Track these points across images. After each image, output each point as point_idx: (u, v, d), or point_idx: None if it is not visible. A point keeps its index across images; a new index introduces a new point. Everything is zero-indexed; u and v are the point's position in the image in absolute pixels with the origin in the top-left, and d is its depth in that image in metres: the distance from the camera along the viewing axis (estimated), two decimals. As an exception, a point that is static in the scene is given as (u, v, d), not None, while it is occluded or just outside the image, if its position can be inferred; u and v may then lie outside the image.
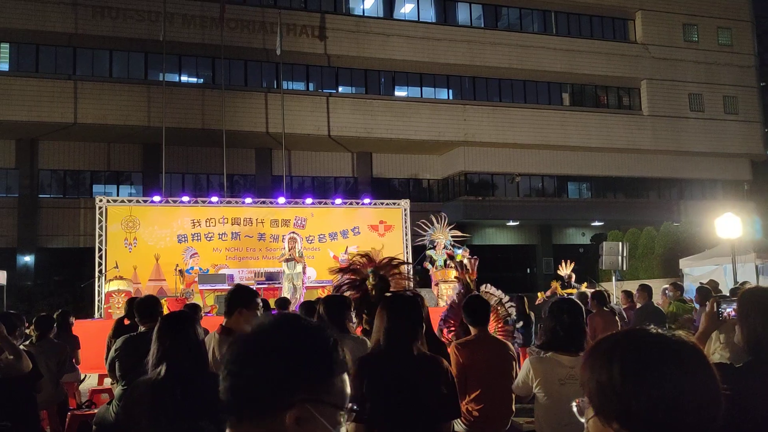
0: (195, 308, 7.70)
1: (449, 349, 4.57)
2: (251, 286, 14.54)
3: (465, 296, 7.09)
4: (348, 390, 1.30)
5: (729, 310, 2.94)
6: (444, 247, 17.09)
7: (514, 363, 4.60)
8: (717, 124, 30.98)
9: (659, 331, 1.30)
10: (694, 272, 17.04)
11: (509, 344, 4.88)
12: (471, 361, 4.46)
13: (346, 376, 1.31)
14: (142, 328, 5.04)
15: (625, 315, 9.42)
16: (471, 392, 4.45)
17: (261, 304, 4.20)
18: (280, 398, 1.22)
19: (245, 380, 1.25)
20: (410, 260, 19.10)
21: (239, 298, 4.19)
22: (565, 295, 12.26)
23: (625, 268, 17.22)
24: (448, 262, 16.86)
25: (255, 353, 1.26)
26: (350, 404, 1.30)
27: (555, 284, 13.42)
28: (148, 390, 2.94)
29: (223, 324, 4.25)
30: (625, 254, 16.50)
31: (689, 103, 30.99)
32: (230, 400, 1.27)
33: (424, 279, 17.80)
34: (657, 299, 10.44)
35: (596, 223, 30.51)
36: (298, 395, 1.23)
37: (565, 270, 13.94)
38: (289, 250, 15.53)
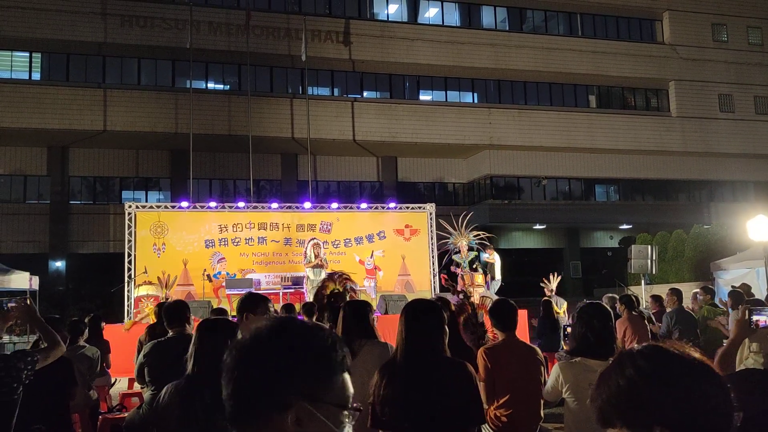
0: (222, 313, 7.75)
1: (477, 354, 4.55)
2: (278, 290, 14.57)
3: (463, 304, 7.07)
4: (350, 389, 1.30)
5: (761, 318, 2.87)
6: (469, 249, 17.01)
7: (542, 368, 4.56)
8: (748, 124, 30.47)
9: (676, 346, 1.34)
10: (726, 276, 16.74)
11: (537, 349, 4.83)
12: (499, 366, 4.43)
13: (347, 376, 1.30)
14: (170, 333, 5.08)
15: (654, 319, 9.29)
16: (499, 398, 4.42)
17: (271, 309, 4.21)
18: (277, 399, 1.23)
19: (243, 384, 1.26)
20: (436, 264, 19.06)
21: (247, 303, 4.24)
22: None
23: (654, 272, 16.99)
24: (475, 265, 16.78)
25: (251, 356, 1.27)
26: (354, 404, 1.29)
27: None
28: (179, 392, 2.98)
29: None
30: (654, 258, 16.27)
31: (719, 103, 30.52)
32: (232, 405, 1.27)
33: (452, 284, 17.71)
34: (687, 303, 10.29)
35: (624, 227, 30.17)
36: (295, 395, 1.23)
37: (552, 284, 13.53)
38: (316, 257, 15.58)
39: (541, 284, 13.35)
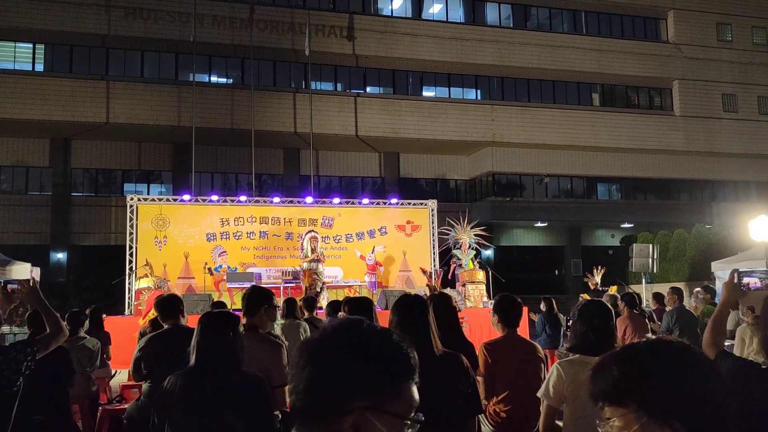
0: (221, 306, 7.76)
1: (477, 350, 4.54)
2: (278, 285, 14.58)
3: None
4: (416, 399, 1.26)
5: (751, 280, 2.90)
6: (469, 247, 17.04)
7: (542, 365, 4.55)
8: (751, 125, 30.41)
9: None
10: (726, 275, 16.72)
11: (538, 345, 4.83)
12: (499, 362, 4.43)
13: (414, 385, 1.27)
14: (165, 326, 5.15)
15: (655, 317, 9.28)
16: (499, 393, 4.41)
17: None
18: (338, 404, 1.20)
19: (307, 383, 1.24)
20: (437, 260, 19.08)
21: (263, 297, 4.28)
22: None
23: (655, 271, 16.97)
24: (474, 262, 16.81)
25: (319, 356, 1.25)
26: (416, 414, 1.25)
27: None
28: (180, 383, 2.98)
29: (245, 323, 4.32)
30: (655, 256, 16.26)
31: (722, 103, 30.46)
32: (298, 400, 1.25)
33: (451, 279, 17.75)
34: (688, 302, 10.29)
35: (626, 225, 30.15)
36: (357, 402, 1.20)
37: (596, 277, 13.62)
38: (312, 251, 15.57)
39: (585, 279, 13.50)
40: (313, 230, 17.02)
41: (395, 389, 1.23)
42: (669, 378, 1.29)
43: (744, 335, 6.70)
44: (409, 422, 1.23)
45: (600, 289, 12.81)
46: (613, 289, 12.78)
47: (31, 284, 3.90)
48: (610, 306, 3.66)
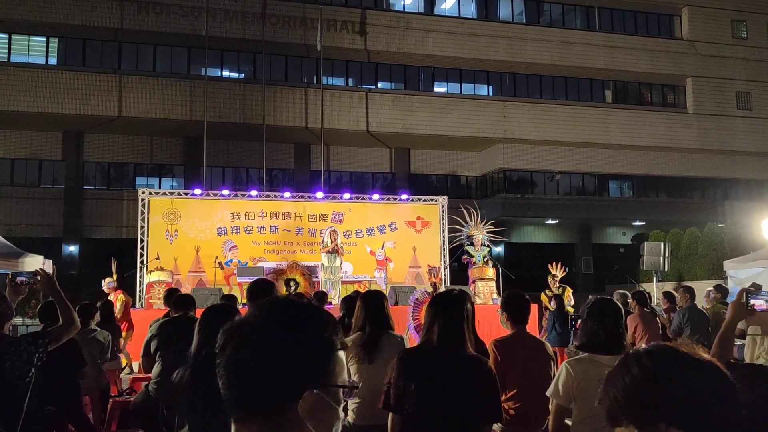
0: (232, 299, 7.79)
1: (487, 347, 4.54)
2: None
3: (432, 296, 7.10)
4: (345, 366, 1.29)
5: (758, 301, 2.91)
6: (482, 244, 17.01)
7: (551, 362, 4.54)
8: (765, 123, 30.14)
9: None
10: (739, 274, 16.56)
11: (547, 343, 4.82)
12: (509, 360, 4.42)
13: (342, 354, 1.28)
14: (175, 315, 5.46)
15: (665, 316, 9.24)
16: (508, 391, 4.41)
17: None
18: (291, 391, 1.19)
19: (252, 376, 1.20)
20: (447, 257, 19.05)
21: (265, 290, 4.30)
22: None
23: (666, 269, 16.88)
24: (486, 259, 16.77)
25: (258, 347, 1.21)
26: (349, 380, 1.28)
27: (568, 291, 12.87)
28: (187, 377, 3.00)
29: None
30: (667, 255, 16.17)
31: (736, 101, 30.21)
32: (237, 396, 1.22)
33: (461, 276, 17.74)
34: (700, 301, 10.23)
35: (637, 223, 30.00)
36: (308, 385, 1.20)
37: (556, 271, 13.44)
38: (332, 242, 15.56)
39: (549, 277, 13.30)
40: (332, 226, 17.07)
41: (333, 364, 1.25)
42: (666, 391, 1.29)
43: (755, 335, 6.66)
44: (347, 389, 1.26)
45: (558, 286, 12.60)
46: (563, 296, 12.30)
47: (48, 273, 3.94)
48: (620, 305, 3.64)
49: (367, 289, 17.91)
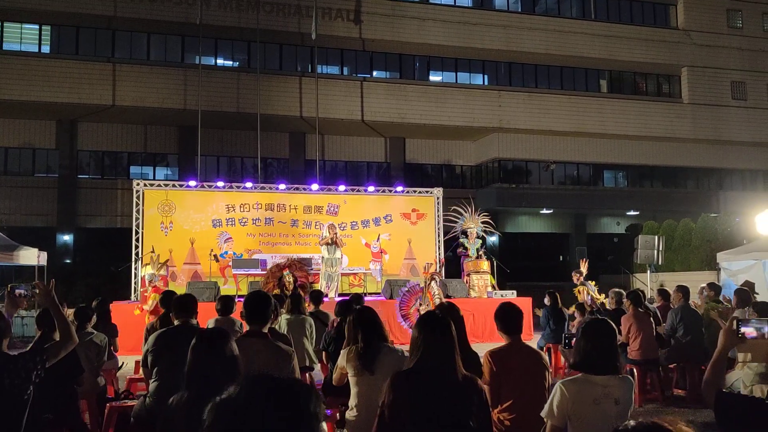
0: (228, 301, 7.80)
1: (482, 358, 4.58)
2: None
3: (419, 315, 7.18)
4: None
5: (748, 329, 2.97)
6: (476, 236, 17.05)
7: (546, 373, 4.58)
8: (760, 113, 30.20)
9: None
10: (732, 266, 16.67)
11: (542, 353, 4.85)
12: (504, 370, 4.45)
13: (324, 426, 1.40)
14: (176, 322, 5.29)
15: (659, 315, 9.30)
16: (503, 401, 4.44)
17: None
18: None
19: None
20: (442, 249, 19.10)
21: (261, 302, 4.41)
22: (593, 296, 12.03)
23: (660, 263, 16.97)
24: (480, 251, 16.82)
25: (246, 428, 1.31)
26: None
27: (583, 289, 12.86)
28: (184, 406, 3.00)
29: (249, 329, 4.41)
30: (661, 248, 16.26)
31: (731, 91, 30.23)
32: None
33: (456, 268, 17.79)
34: (693, 295, 10.29)
35: (632, 213, 30.10)
36: None
37: (582, 268, 13.44)
38: (331, 236, 15.53)
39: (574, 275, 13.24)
40: (331, 222, 16.93)
41: None
42: None
43: (746, 362, 6.69)
44: None
45: (584, 283, 12.66)
46: (584, 290, 12.36)
47: (46, 286, 3.95)
48: (614, 326, 3.68)
49: (361, 281, 17.95)
